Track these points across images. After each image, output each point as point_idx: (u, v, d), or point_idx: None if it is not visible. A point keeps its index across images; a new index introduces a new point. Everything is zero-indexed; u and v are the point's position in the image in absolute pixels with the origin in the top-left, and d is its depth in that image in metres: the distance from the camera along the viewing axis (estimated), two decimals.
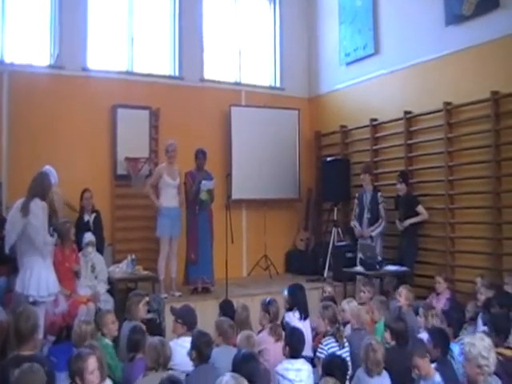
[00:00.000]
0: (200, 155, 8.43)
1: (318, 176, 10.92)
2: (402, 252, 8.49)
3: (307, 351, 5.32)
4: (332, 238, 9.76)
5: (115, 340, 5.67)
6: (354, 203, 9.19)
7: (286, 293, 6.42)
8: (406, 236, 8.46)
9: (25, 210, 5.89)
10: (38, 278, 5.93)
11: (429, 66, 8.66)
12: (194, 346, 4.62)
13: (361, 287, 7.47)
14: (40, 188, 6.08)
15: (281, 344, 5.13)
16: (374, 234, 8.68)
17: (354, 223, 9.05)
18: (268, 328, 5.63)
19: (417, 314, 6.08)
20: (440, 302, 7.24)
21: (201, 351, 4.58)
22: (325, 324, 5.62)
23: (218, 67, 10.91)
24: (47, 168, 6.56)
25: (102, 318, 5.66)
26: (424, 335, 5.23)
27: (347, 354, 5.23)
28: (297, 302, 6.23)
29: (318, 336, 5.95)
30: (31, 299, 5.84)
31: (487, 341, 4.10)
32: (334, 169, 10.02)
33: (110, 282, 7.74)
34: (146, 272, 8.18)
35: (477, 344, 4.04)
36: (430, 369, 4.47)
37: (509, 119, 7.53)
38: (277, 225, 10.73)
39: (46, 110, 8.80)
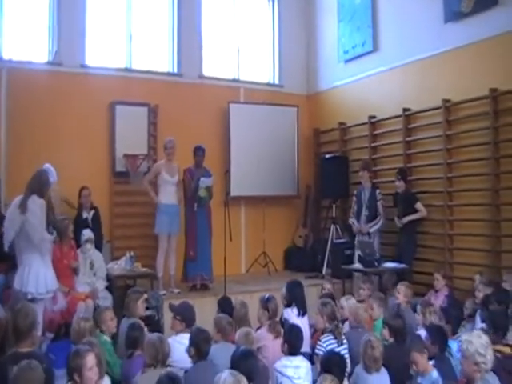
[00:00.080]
0: (199, 152, 8.43)
1: (316, 173, 10.91)
2: (401, 249, 8.50)
3: (305, 348, 5.32)
4: (331, 235, 9.76)
5: (114, 337, 5.67)
6: (353, 200, 9.19)
7: (283, 289, 6.44)
8: (404, 233, 8.47)
9: (23, 207, 5.89)
10: (37, 275, 5.93)
11: (427, 63, 8.66)
12: (192, 342, 4.62)
13: (360, 284, 7.48)
14: (38, 185, 6.08)
15: (279, 341, 5.12)
16: (371, 230, 8.69)
17: (352, 220, 9.05)
18: (267, 325, 5.63)
19: (415, 311, 6.08)
20: (438, 299, 7.25)
21: (199, 348, 4.58)
22: (323, 321, 5.63)
23: (217, 64, 10.90)
24: (46, 166, 6.56)
25: (101, 314, 5.65)
26: (422, 332, 5.23)
27: (346, 351, 5.23)
28: (294, 298, 6.23)
29: (316, 333, 5.95)
30: (30, 296, 5.85)
31: (484, 338, 4.10)
32: (333, 166, 10.02)
33: (109, 278, 7.75)
34: (144, 269, 8.18)
35: (474, 341, 4.04)
36: (427, 365, 4.48)
37: (507, 116, 7.54)
38: (275, 222, 10.74)
39: (44, 107, 8.79)
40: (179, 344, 5.10)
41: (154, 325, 6.88)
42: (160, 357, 4.50)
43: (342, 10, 10.48)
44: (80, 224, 7.99)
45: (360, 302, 6.48)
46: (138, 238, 9.21)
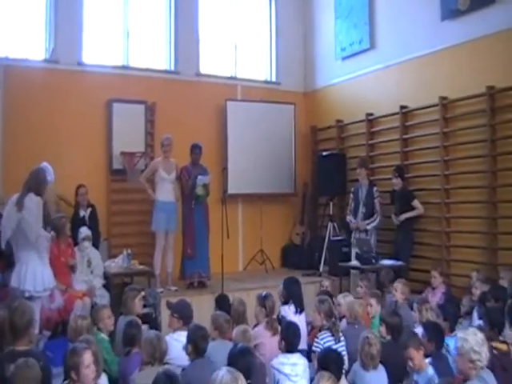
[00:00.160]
0: (196, 150, 8.43)
1: (313, 170, 10.92)
2: (398, 246, 8.50)
3: (302, 345, 5.32)
4: (328, 232, 9.77)
5: (111, 335, 5.67)
6: (350, 198, 9.19)
7: (281, 286, 6.45)
8: (401, 230, 8.48)
9: (19, 204, 5.89)
10: (34, 273, 5.93)
11: (425, 60, 8.66)
12: (189, 339, 4.62)
13: (358, 282, 7.48)
14: (35, 183, 6.08)
15: (277, 338, 5.13)
16: (369, 227, 8.69)
17: (349, 218, 9.05)
18: (264, 322, 5.64)
19: (412, 308, 6.09)
20: (435, 297, 7.26)
21: (197, 345, 4.58)
22: (321, 318, 5.63)
23: (214, 61, 10.90)
24: (44, 164, 6.55)
25: (98, 312, 5.65)
26: (419, 329, 5.24)
27: (343, 348, 5.24)
28: (292, 295, 6.24)
29: (313, 330, 5.96)
30: (27, 294, 5.85)
31: (480, 336, 4.11)
32: (330, 163, 10.02)
33: (106, 276, 7.75)
34: (141, 266, 8.19)
35: (469, 339, 4.05)
36: (423, 362, 4.49)
37: (504, 114, 7.54)
38: (273, 219, 10.75)
39: (41, 105, 8.78)
40: (176, 342, 5.10)
41: (152, 322, 6.89)
42: (157, 354, 4.50)
43: (339, 7, 10.47)
44: (77, 222, 7.99)
45: (358, 299, 6.48)
46: (135, 235, 9.22)
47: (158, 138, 8.98)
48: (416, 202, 8.38)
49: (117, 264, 8.09)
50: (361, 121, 9.90)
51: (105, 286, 7.61)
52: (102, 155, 9.32)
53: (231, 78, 10.99)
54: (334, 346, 5.10)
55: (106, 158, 9.32)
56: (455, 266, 8.15)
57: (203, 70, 10.60)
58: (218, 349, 4.80)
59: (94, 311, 5.81)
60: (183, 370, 4.58)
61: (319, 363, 4.42)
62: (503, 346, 4.74)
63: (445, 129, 8.30)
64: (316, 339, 5.34)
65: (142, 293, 6.33)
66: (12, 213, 5.91)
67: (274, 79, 11.53)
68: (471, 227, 7.97)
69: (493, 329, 4.90)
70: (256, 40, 11.47)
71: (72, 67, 9.12)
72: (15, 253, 6.08)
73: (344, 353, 5.11)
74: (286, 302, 6.25)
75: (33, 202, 5.95)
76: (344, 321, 6.02)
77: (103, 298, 7.32)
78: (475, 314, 6.06)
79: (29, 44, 9.10)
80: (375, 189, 8.84)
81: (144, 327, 5.64)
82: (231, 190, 9.97)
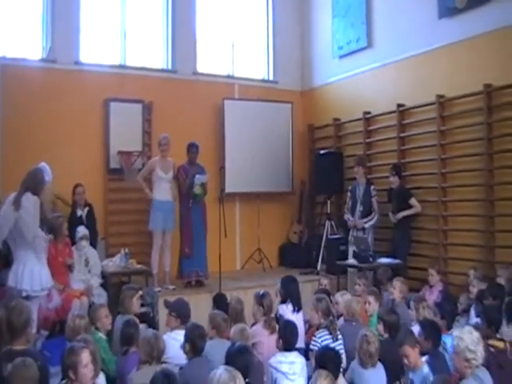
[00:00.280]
0: (193, 149, 8.43)
1: (311, 169, 10.92)
2: (395, 244, 8.52)
3: (299, 343, 5.33)
4: (325, 230, 9.77)
5: (109, 334, 5.67)
6: (347, 196, 9.20)
7: (278, 285, 6.45)
8: (398, 229, 8.49)
9: (17, 204, 5.88)
10: (31, 273, 5.92)
11: (422, 58, 8.67)
12: (187, 338, 4.63)
13: (356, 280, 7.49)
14: (33, 183, 6.07)
15: (274, 337, 5.13)
16: (366, 226, 8.71)
17: (347, 216, 9.06)
18: (262, 321, 5.64)
19: (409, 306, 6.10)
20: (433, 295, 7.28)
21: (194, 344, 4.58)
22: (318, 316, 5.64)
23: (211, 60, 10.89)
24: (42, 165, 6.53)
25: (96, 312, 5.65)
26: (416, 328, 5.25)
27: (341, 346, 5.25)
28: (289, 294, 6.24)
29: (311, 328, 5.96)
30: (24, 294, 5.83)
31: (475, 334, 4.11)
32: (327, 162, 10.02)
33: (104, 276, 7.76)
34: (139, 266, 8.20)
35: (465, 338, 4.06)
36: (418, 360, 4.51)
37: (501, 112, 7.55)
38: (270, 218, 10.75)
39: (38, 104, 8.76)
40: (174, 340, 5.11)
41: (149, 321, 6.89)
42: (155, 353, 4.51)
43: (337, 5, 10.47)
44: (74, 221, 7.99)
45: (355, 297, 6.48)
46: (132, 234, 9.22)
47: (156, 137, 8.98)
48: (413, 200, 8.39)
49: (114, 263, 8.10)
50: (358, 119, 9.90)
51: (102, 286, 7.62)
52: (99, 154, 9.31)
53: (228, 76, 10.98)
54: (332, 345, 5.10)
55: (104, 157, 9.32)
56: (452, 264, 8.16)
57: (200, 68, 10.60)
58: (216, 348, 4.81)
59: (92, 310, 5.81)
60: (181, 368, 4.58)
61: (317, 361, 4.42)
62: (500, 344, 4.75)
63: (442, 127, 8.31)
64: (314, 337, 5.34)
65: (140, 292, 6.33)
66: (9, 212, 5.90)
67: (271, 78, 11.53)
68: (468, 225, 7.98)
69: (490, 326, 4.92)
70: (253, 39, 11.46)
71: (69, 66, 9.11)
72: (13, 252, 6.07)
73: (342, 351, 5.11)
74: (283, 301, 6.24)
75: (30, 201, 5.94)
76: (341, 319, 6.04)
77: (101, 297, 7.33)
78: (472, 312, 6.07)
79: (26, 43, 9.09)
80: (372, 187, 8.85)
81: (142, 326, 5.64)
82: (229, 189, 9.97)
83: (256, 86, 11.16)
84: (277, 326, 5.38)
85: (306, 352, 5.37)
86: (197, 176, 8.25)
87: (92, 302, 6.98)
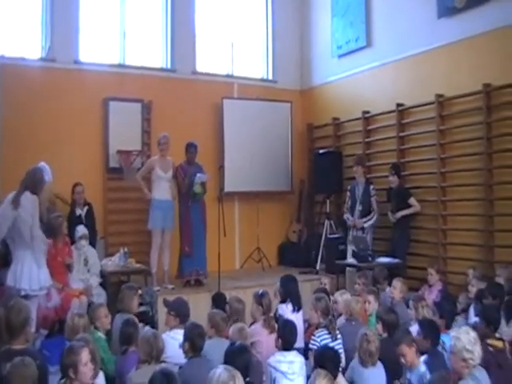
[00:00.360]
0: (191, 149, 8.42)
1: (310, 168, 10.92)
2: (395, 244, 8.52)
3: (299, 343, 5.33)
4: (324, 230, 9.77)
5: (108, 333, 5.67)
6: (347, 195, 9.20)
7: (277, 284, 6.45)
8: (398, 228, 8.50)
9: (15, 202, 5.90)
10: (30, 272, 5.93)
11: (421, 58, 8.67)
12: (186, 337, 4.62)
13: (356, 279, 7.49)
14: (32, 182, 6.08)
15: (274, 336, 5.13)
16: (366, 225, 8.71)
17: (346, 216, 9.05)
18: (262, 320, 5.64)
19: (408, 306, 6.10)
20: (432, 294, 7.27)
21: (193, 343, 4.58)
22: (317, 316, 5.65)
23: (211, 60, 10.89)
24: (42, 164, 6.54)
25: (95, 311, 5.65)
26: (415, 327, 5.25)
27: (340, 345, 5.25)
28: (289, 293, 6.23)
29: (310, 328, 5.96)
30: (23, 293, 5.85)
31: (472, 334, 4.12)
32: (327, 161, 10.02)
33: (103, 275, 7.76)
34: (138, 265, 8.21)
35: (462, 338, 4.07)
36: (415, 359, 4.52)
37: (500, 111, 7.55)
38: (269, 217, 10.74)
39: (37, 103, 8.75)
40: (173, 340, 5.10)
41: (148, 321, 6.89)
42: (154, 353, 4.50)
43: (336, 5, 10.47)
44: (74, 220, 7.98)
45: (355, 296, 6.48)
46: (131, 234, 9.22)
47: (155, 136, 8.98)
48: (412, 200, 8.39)
49: (113, 262, 8.10)
50: (357, 118, 9.90)
51: (101, 285, 7.62)
52: (98, 153, 9.31)
53: (228, 76, 10.98)
54: (331, 344, 5.11)
55: (103, 156, 9.31)
56: (452, 264, 8.16)
57: (200, 68, 10.60)
58: (215, 347, 4.81)
59: (91, 310, 5.80)
60: (180, 368, 4.58)
61: (316, 361, 4.42)
62: (499, 343, 4.75)
63: (441, 126, 8.31)
64: (313, 337, 5.34)
65: (139, 291, 6.33)
66: (8, 211, 5.91)
67: (270, 77, 11.52)
68: (467, 225, 7.99)
69: (489, 326, 4.91)
70: (252, 38, 11.46)
71: (68, 66, 9.11)
72: (12, 251, 6.08)
73: (341, 350, 5.12)
74: (283, 301, 6.24)
75: (28, 200, 5.95)
76: (340, 318, 6.04)
77: (100, 296, 7.33)
78: (471, 311, 6.07)
79: (25, 42, 9.08)
80: (372, 187, 8.85)
81: (141, 325, 5.64)
82: (228, 188, 9.96)
83: (255, 85, 11.16)
84: (276, 326, 5.38)
85: (305, 351, 5.37)
86: (198, 175, 8.26)
87: (91, 301, 6.98)
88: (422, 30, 8.62)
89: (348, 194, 9.13)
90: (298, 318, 5.90)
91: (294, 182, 11.02)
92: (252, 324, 5.82)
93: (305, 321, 6.21)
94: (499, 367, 4.47)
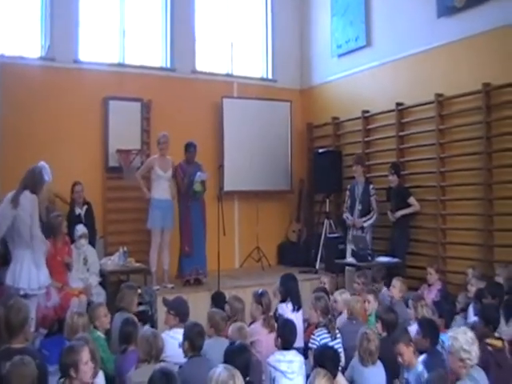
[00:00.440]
0: (191, 148, 8.41)
1: (309, 167, 10.92)
2: (394, 243, 8.52)
3: (298, 343, 5.33)
4: (324, 229, 9.77)
5: (107, 332, 5.67)
6: (346, 195, 9.20)
7: (277, 283, 6.45)
8: (397, 227, 8.49)
9: (15, 202, 5.89)
10: (29, 271, 5.92)
11: (421, 57, 8.66)
12: (186, 336, 4.62)
13: (355, 279, 7.49)
14: (31, 181, 6.08)
15: (273, 335, 5.13)
16: (365, 225, 8.71)
17: (346, 215, 9.05)
18: (261, 319, 5.64)
19: (407, 305, 6.10)
20: (431, 293, 7.27)
21: (193, 342, 4.58)
22: (317, 315, 5.65)
23: (210, 59, 10.89)
24: (42, 164, 6.53)
25: (95, 310, 5.65)
26: (414, 326, 5.25)
27: (339, 345, 5.26)
28: (289, 291, 6.23)
29: (310, 327, 5.96)
30: (22, 292, 5.84)
31: (470, 334, 4.12)
32: (326, 160, 10.02)
33: (102, 274, 7.76)
34: (137, 264, 8.21)
35: (459, 338, 4.07)
36: (413, 358, 4.53)
37: (500, 111, 7.55)
38: (269, 216, 10.74)
39: (37, 103, 8.75)
40: (173, 339, 5.10)
41: (148, 320, 6.89)
42: (154, 352, 4.49)
43: (336, 4, 10.47)
44: (73, 220, 7.98)
45: (354, 295, 6.48)
46: (131, 233, 9.21)
47: (154, 135, 8.99)
48: (412, 199, 8.39)
49: (113, 262, 8.10)
50: (357, 118, 9.91)
51: (101, 284, 7.62)
52: (97, 153, 9.31)
53: (227, 75, 10.98)
54: (331, 343, 5.12)
55: (102, 155, 9.31)
56: (451, 263, 8.16)
57: (199, 67, 10.60)
58: (214, 346, 4.81)
59: (91, 309, 5.81)
60: (180, 367, 4.57)
61: (315, 360, 4.42)
62: (498, 343, 4.76)
63: (441, 126, 8.31)
64: (312, 336, 5.35)
65: (139, 290, 6.33)
66: (7, 210, 5.91)
67: (270, 76, 11.52)
68: (467, 224, 7.99)
69: (488, 325, 4.92)
70: (252, 37, 11.46)
71: (68, 65, 9.10)
72: (11, 251, 6.07)
73: (340, 350, 5.12)
74: (283, 300, 6.24)
75: (28, 199, 5.95)
76: (340, 317, 6.04)
77: (99, 295, 7.33)
78: (471, 311, 6.07)
79: (25, 41, 9.07)
80: (371, 186, 8.85)
81: (140, 324, 5.64)
82: (227, 188, 9.96)
83: (255, 84, 11.16)
84: (275, 325, 5.38)
85: (304, 350, 5.38)
86: (198, 173, 8.26)
87: (90, 300, 6.98)
88: (422, 30, 8.62)
89: (347, 193, 9.13)
90: (297, 318, 5.91)
91: (293, 182, 11.02)
92: (251, 323, 5.82)
93: (304, 320, 6.20)
94: (498, 367, 4.48)
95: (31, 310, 5.28)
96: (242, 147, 10.37)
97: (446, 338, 4.88)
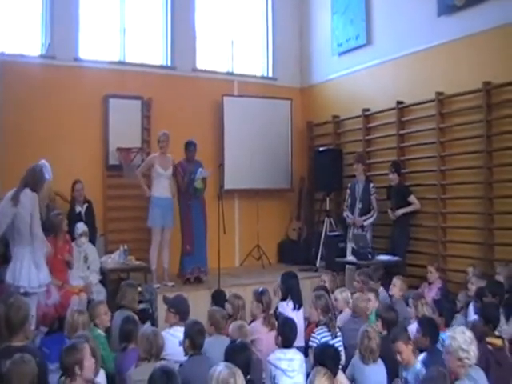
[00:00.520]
0: (191, 147, 8.40)
1: (310, 166, 10.91)
2: (394, 242, 8.52)
3: (299, 341, 5.34)
4: (324, 227, 9.77)
5: (107, 331, 5.67)
6: (347, 193, 9.19)
7: (278, 281, 6.45)
8: (398, 226, 8.49)
9: (15, 200, 5.89)
10: (29, 269, 5.92)
11: (421, 56, 8.66)
12: (186, 334, 4.63)
13: (355, 277, 7.49)
14: (32, 179, 6.08)
15: (274, 334, 5.12)
16: (366, 223, 8.71)
17: (346, 213, 9.05)
18: (261, 318, 5.64)
19: (407, 304, 6.10)
20: (432, 292, 7.28)
21: (193, 340, 4.58)
22: (317, 313, 5.64)
23: (211, 57, 10.88)
24: (42, 162, 6.53)
25: (95, 308, 5.65)
26: (415, 325, 5.25)
27: (340, 343, 5.26)
28: (290, 289, 6.23)
29: (310, 325, 5.96)
30: (22, 290, 5.83)
31: (468, 334, 4.12)
32: (327, 159, 10.01)
33: (102, 272, 7.76)
34: (138, 262, 8.21)
35: (457, 337, 4.07)
36: (411, 357, 4.53)
37: (500, 109, 7.55)
38: (269, 215, 10.74)
39: (37, 101, 8.75)
40: (173, 337, 5.12)
41: (148, 318, 6.89)
42: (154, 350, 4.49)
43: (336, 3, 10.45)
44: (73, 218, 7.98)
45: (353, 293, 6.48)
46: (131, 231, 9.21)
47: (155, 133, 8.99)
48: (412, 198, 8.39)
49: (113, 260, 8.10)
50: (357, 116, 9.90)
51: (101, 282, 7.62)
52: (98, 151, 9.31)
53: (228, 73, 10.97)
54: (331, 342, 5.12)
55: (103, 153, 9.31)
56: (451, 262, 8.16)
57: (200, 65, 10.59)
58: (214, 344, 4.81)
59: (91, 307, 5.80)
60: (181, 365, 4.57)
61: (316, 358, 4.41)
62: (498, 341, 4.76)
63: (441, 124, 8.31)
64: (313, 334, 5.35)
65: (139, 288, 6.33)
66: (7, 208, 5.91)
67: (270, 75, 11.52)
68: (467, 223, 7.99)
69: (488, 324, 4.92)
70: (253, 35, 11.45)
71: (68, 63, 9.09)
72: (11, 249, 6.07)
73: (341, 348, 5.12)
74: (284, 298, 6.24)
75: (28, 197, 5.94)
76: (341, 316, 6.04)
77: (100, 293, 7.33)
78: (471, 309, 6.07)
79: (25, 39, 9.07)
80: (372, 185, 8.85)
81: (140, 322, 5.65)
82: (228, 186, 9.95)
83: (255, 82, 11.16)
84: (276, 323, 5.38)
85: (305, 349, 5.38)
86: (200, 169, 8.25)
87: (91, 298, 6.98)
88: (422, 28, 8.61)
89: (348, 191, 9.13)
90: (298, 316, 5.91)
91: (293, 180, 11.02)
92: (252, 321, 5.82)
93: (305, 318, 6.20)
94: (498, 365, 4.48)
95: (31, 308, 5.27)
96: (242, 145, 10.37)
97: (446, 336, 4.90)
